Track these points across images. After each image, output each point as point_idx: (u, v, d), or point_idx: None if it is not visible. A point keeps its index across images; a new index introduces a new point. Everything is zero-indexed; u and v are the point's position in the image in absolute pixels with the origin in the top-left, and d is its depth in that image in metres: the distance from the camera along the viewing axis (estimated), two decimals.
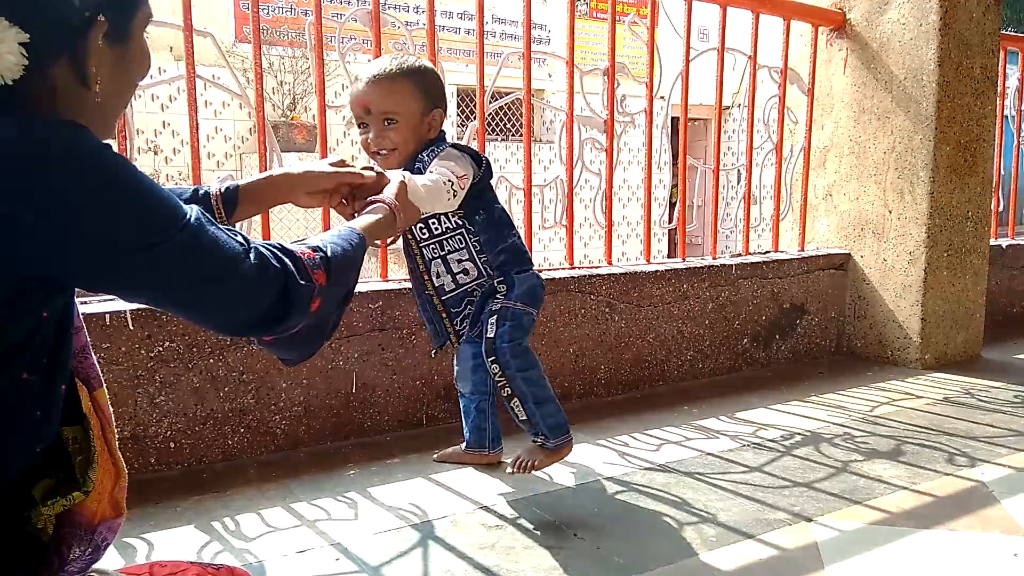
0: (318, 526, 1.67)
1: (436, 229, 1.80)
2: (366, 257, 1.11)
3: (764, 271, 3.11)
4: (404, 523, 1.68)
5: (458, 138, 2.32)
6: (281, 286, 0.86)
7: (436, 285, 1.84)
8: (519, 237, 1.87)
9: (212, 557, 1.53)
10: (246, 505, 1.78)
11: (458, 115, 8.02)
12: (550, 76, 8.04)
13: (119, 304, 1.89)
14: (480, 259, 1.82)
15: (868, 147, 3.22)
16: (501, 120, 8.40)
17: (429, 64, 1.81)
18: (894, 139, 3.13)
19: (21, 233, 0.70)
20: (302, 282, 0.89)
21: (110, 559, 1.51)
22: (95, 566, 0.88)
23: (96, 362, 0.88)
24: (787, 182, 3.37)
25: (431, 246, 1.81)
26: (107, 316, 1.87)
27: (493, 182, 1.85)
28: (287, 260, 0.88)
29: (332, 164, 1.31)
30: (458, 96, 7.95)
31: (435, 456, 2.06)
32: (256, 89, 2.21)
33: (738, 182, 3.33)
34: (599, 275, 2.66)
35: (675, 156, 3.09)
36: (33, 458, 0.79)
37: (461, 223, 1.79)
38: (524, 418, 1.79)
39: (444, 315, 1.87)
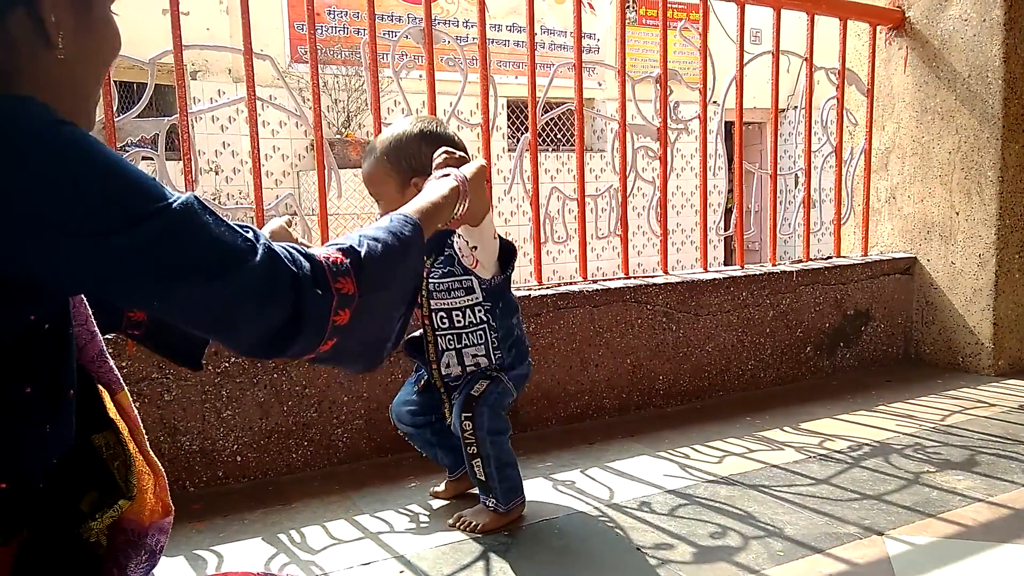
0: (381, 538, 1.69)
1: (459, 322, 1.70)
2: None
3: (826, 277, 3.04)
4: (465, 536, 1.69)
5: (510, 150, 2.31)
6: (295, 296, 0.73)
7: (443, 373, 1.75)
8: (521, 324, 1.81)
9: (279, 569, 1.56)
10: (311, 517, 1.81)
11: (509, 127, 8.05)
12: (600, 85, 8.02)
13: None
14: (495, 354, 1.73)
15: (932, 147, 3.13)
16: (552, 130, 8.41)
17: (412, 130, 1.63)
18: (959, 138, 3.03)
19: None
20: (317, 291, 0.75)
21: (182, 572, 1.55)
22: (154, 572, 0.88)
23: (114, 366, 0.84)
24: (848, 185, 3.29)
25: (448, 337, 1.72)
26: None
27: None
28: (305, 263, 0.75)
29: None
30: (508, 108, 7.99)
31: (431, 491, 1.93)
32: (314, 108, 2.25)
33: (796, 186, 3.27)
34: (655, 284, 2.63)
35: (730, 161, 3.04)
36: (50, 469, 0.75)
37: (486, 319, 1.71)
38: (482, 479, 1.71)
39: (441, 389, 1.77)
